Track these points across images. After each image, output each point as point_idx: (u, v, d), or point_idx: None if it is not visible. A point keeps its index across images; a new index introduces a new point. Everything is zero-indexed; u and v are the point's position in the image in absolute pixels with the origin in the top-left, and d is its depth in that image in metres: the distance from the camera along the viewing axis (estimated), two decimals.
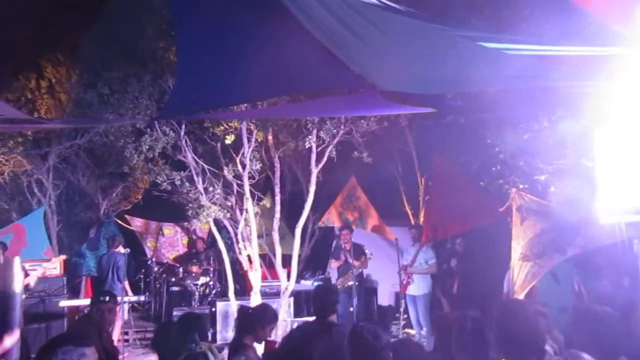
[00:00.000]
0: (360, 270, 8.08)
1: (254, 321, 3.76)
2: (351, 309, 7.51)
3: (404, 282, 7.71)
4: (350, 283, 7.66)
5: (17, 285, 2.71)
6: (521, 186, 6.40)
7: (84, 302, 7.90)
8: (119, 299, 6.88)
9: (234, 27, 2.95)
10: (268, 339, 3.73)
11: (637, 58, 2.81)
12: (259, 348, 3.85)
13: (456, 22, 2.50)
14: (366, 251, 8.27)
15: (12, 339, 2.65)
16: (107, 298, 4.12)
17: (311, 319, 4.09)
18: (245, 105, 6.29)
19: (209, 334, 8.14)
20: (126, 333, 8.38)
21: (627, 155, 4.41)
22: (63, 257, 7.76)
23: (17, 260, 2.81)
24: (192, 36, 2.93)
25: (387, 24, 2.51)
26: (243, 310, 3.94)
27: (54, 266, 7.93)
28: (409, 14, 2.36)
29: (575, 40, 2.73)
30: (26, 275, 6.42)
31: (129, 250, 8.26)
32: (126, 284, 8.38)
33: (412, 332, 7.81)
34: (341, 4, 2.45)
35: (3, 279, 2.75)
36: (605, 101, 4.21)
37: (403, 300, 7.95)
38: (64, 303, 7.65)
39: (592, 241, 5.60)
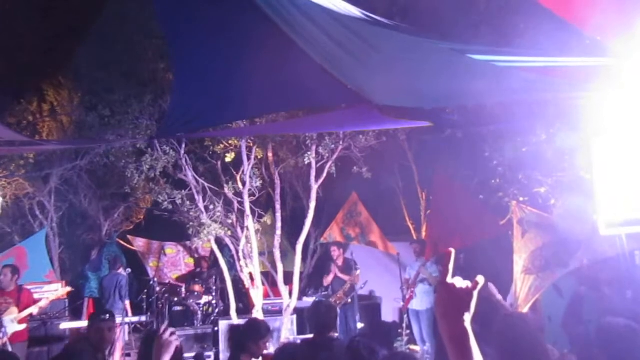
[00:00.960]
0: (351, 285, 8.04)
1: (246, 338, 3.71)
2: (357, 325, 7.46)
3: (407, 297, 7.65)
4: (349, 300, 7.63)
5: None
6: (521, 199, 6.38)
7: (85, 324, 7.86)
8: (119, 319, 6.87)
9: (228, 45, 2.99)
10: (265, 352, 3.69)
11: (628, 68, 2.84)
12: None
13: (442, 36, 2.52)
14: (357, 266, 8.24)
15: None
16: (107, 316, 4.08)
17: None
18: (244, 122, 6.34)
19: (212, 354, 8.08)
20: (128, 355, 8.31)
21: (626, 166, 4.41)
22: (68, 289, 7.68)
23: None
24: (186, 55, 2.97)
25: (376, 39, 2.55)
26: (233, 329, 3.92)
27: (58, 292, 7.82)
28: (396, 28, 2.40)
29: (564, 52, 2.76)
30: (35, 302, 6.33)
31: (130, 270, 8.25)
32: (127, 304, 8.34)
33: (416, 348, 7.73)
34: (329, 19, 2.49)
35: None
36: (602, 113, 4.24)
37: (406, 316, 7.88)
38: (66, 325, 7.60)
39: (594, 254, 5.57)
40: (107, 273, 8.91)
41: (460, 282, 1.34)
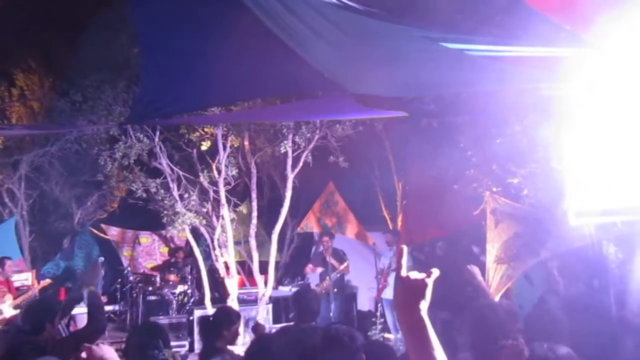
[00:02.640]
0: (340, 275, 8.09)
1: (218, 325, 3.72)
2: (330, 314, 7.49)
3: (380, 286, 7.72)
4: (328, 287, 7.66)
5: None
6: (495, 189, 6.46)
7: None
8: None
9: (200, 29, 2.92)
10: (258, 321, 3.69)
11: (602, 60, 2.87)
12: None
13: (416, 22, 2.50)
14: (345, 256, 8.29)
15: None
16: None
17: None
18: (219, 109, 6.26)
19: (186, 343, 8.03)
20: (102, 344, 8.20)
21: (595, 158, 4.49)
22: (48, 280, 7.71)
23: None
24: (154, 38, 2.89)
25: (350, 26, 2.52)
26: (204, 319, 3.92)
27: (45, 282, 7.76)
28: (368, 14, 2.37)
29: (539, 43, 2.77)
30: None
31: (103, 259, 8.12)
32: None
33: (390, 336, 7.82)
34: (303, 5, 2.45)
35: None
36: (574, 105, 4.30)
37: (380, 305, 7.96)
38: None
39: (563, 243, 5.68)
40: (81, 262, 8.76)
41: (415, 275, 1.40)
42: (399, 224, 9.63)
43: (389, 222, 9.93)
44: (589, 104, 4.06)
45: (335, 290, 7.87)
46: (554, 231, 5.68)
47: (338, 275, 7.96)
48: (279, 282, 9.69)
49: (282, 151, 7.44)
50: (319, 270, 8.20)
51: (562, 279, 6.27)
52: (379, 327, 7.87)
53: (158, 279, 9.84)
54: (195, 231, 8.12)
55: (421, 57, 2.64)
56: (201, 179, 7.57)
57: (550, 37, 2.40)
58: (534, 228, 5.96)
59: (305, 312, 3.87)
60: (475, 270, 4.45)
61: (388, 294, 7.70)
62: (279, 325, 7.42)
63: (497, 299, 6.05)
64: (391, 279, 7.69)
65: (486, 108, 4.75)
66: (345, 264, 8.11)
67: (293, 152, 7.47)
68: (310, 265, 8.35)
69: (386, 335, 8.03)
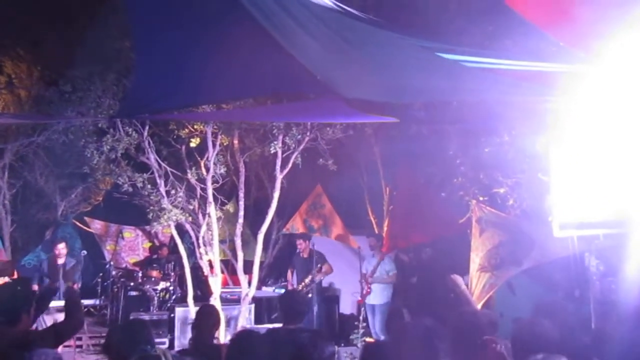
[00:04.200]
0: (321, 279, 8.10)
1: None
2: (313, 316, 7.49)
3: (364, 291, 7.76)
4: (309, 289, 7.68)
5: None
6: (481, 198, 6.53)
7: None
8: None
9: (194, 27, 2.91)
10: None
11: (592, 76, 2.92)
12: None
13: (414, 31, 2.52)
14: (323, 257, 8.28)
15: None
16: None
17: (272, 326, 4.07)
18: (210, 107, 6.23)
19: (166, 340, 7.97)
20: (79, 339, 8.11)
21: (581, 171, 4.57)
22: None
23: None
24: (148, 34, 2.87)
25: (347, 31, 2.53)
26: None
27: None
28: (367, 21, 2.38)
29: (531, 57, 2.81)
30: None
31: (85, 252, 8.03)
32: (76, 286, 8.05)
33: (371, 340, 7.84)
34: (300, 7, 2.45)
35: None
36: (562, 119, 4.37)
37: (363, 309, 7.98)
38: None
39: (546, 254, 5.76)
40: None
41: None
42: (385, 228, 9.67)
43: (374, 226, 9.95)
44: (578, 118, 4.13)
45: (310, 295, 7.87)
46: (538, 241, 5.75)
47: (315, 280, 7.96)
48: (262, 282, 9.66)
49: (272, 152, 7.42)
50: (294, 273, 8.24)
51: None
52: (361, 331, 7.89)
53: (140, 274, 9.76)
54: (179, 228, 8.06)
55: (416, 64, 2.66)
56: (189, 176, 7.51)
57: (543, 52, 2.43)
58: (518, 238, 6.04)
59: (292, 314, 3.87)
60: (458, 279, 4.51)
61: (372, 299, 7.73)
62: (261, 326, 7.39)
63: (479, 307, 6.11)
64: (375, 286, 7.74)
65: (476, 117, 4.80)
66: (326, 267, 8.11)
67: (283, 153, 7.46)
68: (290, 270, 8.39)
69: (368, 339, 8.05)
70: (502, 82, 2.68)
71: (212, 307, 4.79)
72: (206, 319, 3.93)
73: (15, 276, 8.03)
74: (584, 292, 4.99)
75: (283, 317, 3.97)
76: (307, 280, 7.89)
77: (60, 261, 7.25)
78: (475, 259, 6.30)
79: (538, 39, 2.69)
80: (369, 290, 7.73)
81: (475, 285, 6.31)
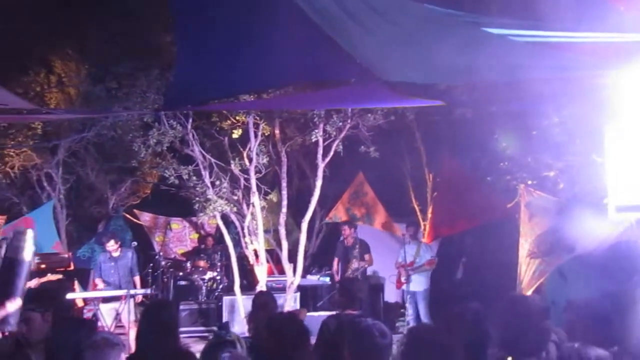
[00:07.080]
0: (365, 267, 8.09)
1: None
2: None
3: (401, 279, 7.76)
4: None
5: (28, 254, 2.67)
6: (530, 182, 6.32)
7: (90, 294, 7.93)
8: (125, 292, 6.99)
9: (233, 15, 2.91)
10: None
11: None
12: None
13: (458, 4, 2.42)
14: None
15: (14, 305, 2.60)
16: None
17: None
18: (250, 96, 6.27)
19: (215, 329, 8.13)
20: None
21: (638, 150, 4.32)
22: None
23: (30, 232, 2.78)
24: (191, 26, 2.90)
25: (391, 10, 2.46)
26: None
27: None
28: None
29: (586, 26, 2.63)
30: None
31: (136, 244, 8.27)
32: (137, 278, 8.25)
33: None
34: None
35: (15, 247, 2.72)
36: (619, 94, 4.13)
37: (409, 297, 7.92)
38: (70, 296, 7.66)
39: (601, 238, 5.52)
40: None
41: None
42: (429, 215, 9.52)
43: (418, 213, 9.83)
44: (632, 95, 3.90)
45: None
46: (591, 226, 5.51)
47: (359, 269, 7.97)
48: (306, 271, 9.73)
49: (313, 140, 7.42)
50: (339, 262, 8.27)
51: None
52: (407, 318, 7.83)
53: (188, 264, 10.01)
54: (224, 218, 8.20)
55: (461, 42, 2.56)
56: (232, 166, 7.62)
57: (600, 20, 2.28)
58: (569, 222, 5.80)
59: (352, 300, 3.96)
60: None
61: (411, 286, 7.69)
62: (308, 314, 7.45)
63: (528, 294, 5.93)
64: (415, 274, 7.69)
65: (524, 98, 4.61)
66: (369, 257, 8.11)
67: (324, 141, 7.44)
68: (336, 259, 8.43)
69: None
70: (555, 56, 2.54)
71: (269, 293, 4.87)
72: (265, 306, 4.02)
73: (72, 268, 8.36)
74: None
75: (343, 303, 4.04)
76: (353, 267, 7.91)
77: (115, 255, 7.50)
78: (525, 245, 6.11)
79: (592, 5, 2.51)
80: (404, 279, 7.71)
81: (525, 271, 6.14)
